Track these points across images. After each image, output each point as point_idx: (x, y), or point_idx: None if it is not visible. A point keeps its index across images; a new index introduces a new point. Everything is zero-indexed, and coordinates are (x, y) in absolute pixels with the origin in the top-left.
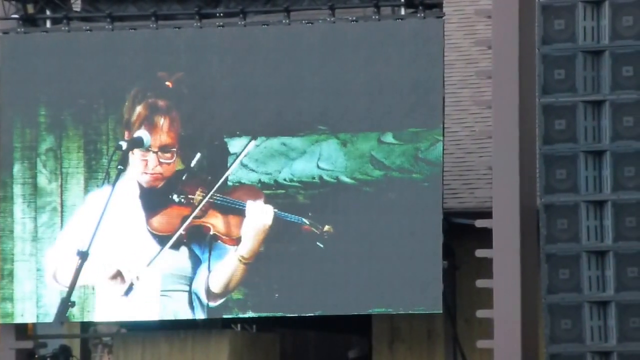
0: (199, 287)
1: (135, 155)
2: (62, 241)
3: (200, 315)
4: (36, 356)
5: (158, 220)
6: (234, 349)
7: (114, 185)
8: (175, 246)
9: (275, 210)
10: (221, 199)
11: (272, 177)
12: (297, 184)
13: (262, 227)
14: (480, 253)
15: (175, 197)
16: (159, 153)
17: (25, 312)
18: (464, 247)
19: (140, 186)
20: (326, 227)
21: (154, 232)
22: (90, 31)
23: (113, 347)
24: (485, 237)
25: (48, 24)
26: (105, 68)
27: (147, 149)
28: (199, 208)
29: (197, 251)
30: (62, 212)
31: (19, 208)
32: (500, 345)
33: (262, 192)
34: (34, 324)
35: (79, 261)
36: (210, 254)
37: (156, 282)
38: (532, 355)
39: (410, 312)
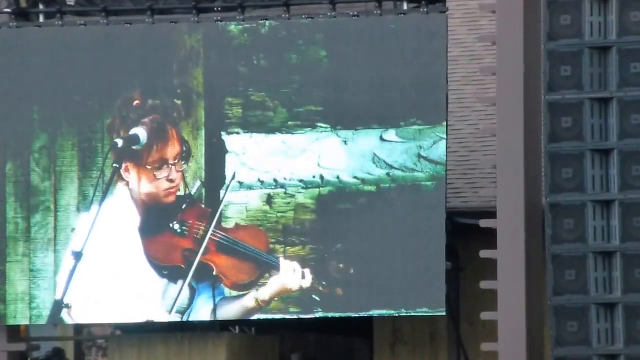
0: (199, 315)
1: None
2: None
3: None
4: (29, 359)
5: (156, 249)
6: (232, 352)
7: (109, 185)
8: (173, 279)
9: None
10: (225, 238)
11: (272, 176)
12: (297, 182)
13: (289, 288)
14: (484, 253)
15: (176, 226)
16: (177, 163)
17: (17, 314)
18: (468, 247)
19: (143, 201)
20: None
21: (152, 260)
22: (84, 26)
23: (107, 350)
24: (489, 237)
25: (41, 18)
26: (100, 64)
27: (167, 164)
28: (203, 245)
29: (195, 285)
30: (55, 211)
31: (11, 207)
32: (504, 348)
33: (265, 235)
34: (26, 326)
35: (73, 262)
36: (214, 287)
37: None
38: (537, 358)
39: (412, 314)
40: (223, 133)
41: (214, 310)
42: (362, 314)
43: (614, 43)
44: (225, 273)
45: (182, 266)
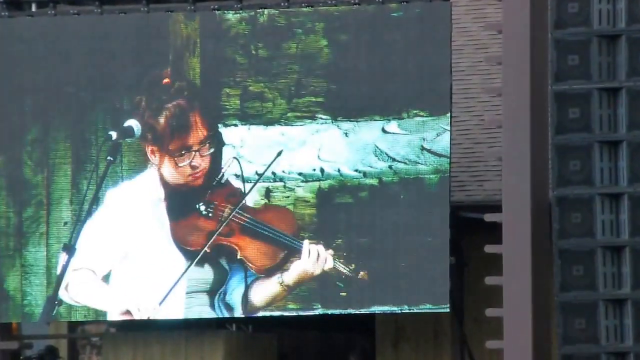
0: (233, 297)
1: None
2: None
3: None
4: (21, 357)
5: (183, 232)
6: (229, 350)
7: (103, 178)
8: (200, 263)
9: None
10: (251, 221)
11: (270, 169)
12: (297, 175)
13: (315, 271)
14: (489, 249)
15: (202, 207)
16: (202, 149)
17: (9, 311)
18: (473, 242)
19: (169, 186)
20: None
21: (179, 244)
22: (77, 15)
23: (102, 348)
24: (494, 232)
25: (33, 7)
26: (94, 54)
27: (190, 150)
28: (224, 224)
29: (226, 266)
30: (48, 205)
31: (3, 201)
32: (510, 345)
33: (293, 216)
34: (18, 324)
35: (66, 257)
36: (246, 269)
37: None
38: (544, 356)
39: (415, 310)
40: (220, 125)
41: (245, 296)
42: (363, 310)
43: (623, 31)
44: (249, 257)
45: (208, 250)
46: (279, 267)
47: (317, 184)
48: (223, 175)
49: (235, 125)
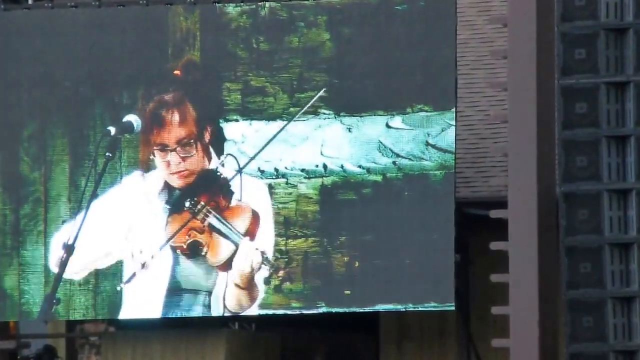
0: (215, 296)
1: (157, 157)
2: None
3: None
4: (19, 357)
5: (170, 227)
6: (232, 349)
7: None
8: (186, 260)
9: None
10: (218, 219)
11: (273, 165)
12: (299, 172)
13: (251, 269)
14: (495, 246)
15: (187, 202)
16: (178, 149)
17: (6, 310)
18: (478, 239)
19: (170, 187)
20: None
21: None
22: (75, 8)
23: (101, 348)
24: (500, 229)
25: (30, 0)
26: (92, 48)
27: (166, 149)
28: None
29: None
30: (46, 202)
31: (0, 199)
32: (516, 344)
33: (257, 219)
34: (16, 323)
35: (64, 255)
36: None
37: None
38: (550, 355)
39: (420, 309)
40: (221, 120)
41: (224, 298)
42: (367, 309)
43: (631, 24)
44: (209, 252)
45: (184, 246)
46: (229, 263)
47: (320, 180)
48: (217, 170)
49: (237, 120)
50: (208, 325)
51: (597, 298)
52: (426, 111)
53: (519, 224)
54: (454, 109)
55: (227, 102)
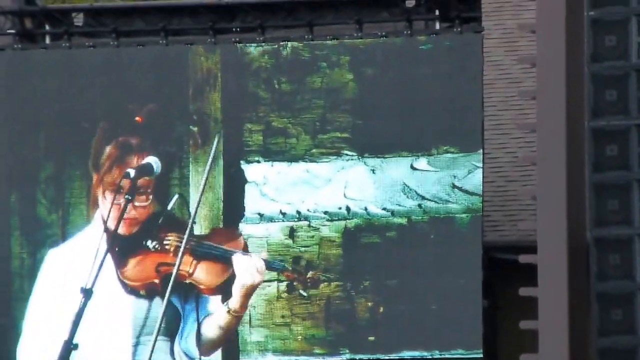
0: (188, 341)
1: (107, 200)
2: None
3: None
4: None
5: (131, 270)
6: None
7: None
8: (149, 296)
9: (265, 259)
10: (196, 243)
11: (295, 207)
12: (322, 214)
13: (251, 285)
14: (523, 291)
15: (149, 243)
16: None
17: (23, 355)
18: (506, 284)
19: (110, 233)
20: (310, 274)
21: (126, 281)
22: (93, 48)
23: None
24: (529, 274)
25: (47, 39)
26: (110, 88)
27: (120, 194)
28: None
29: (177, 303)
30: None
31: (17, 242)
32: None
33: (241, 236)
34: None
35: (83, 299)
36: (198, 306)
37: (127, 331)
38: None
39: (447, 355)
40: (242, 162)
41: (198, 335)
42: (392, 356)
43: None
44: (197, 278)
45: (156, 281)
46: (229, 283)
47: (343, 223)
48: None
49: (258, 161)
50: None
51: (630, 346)
52: (452, 153)
53: (549, 270)
54: (480, 151)
55: (249, 143)
